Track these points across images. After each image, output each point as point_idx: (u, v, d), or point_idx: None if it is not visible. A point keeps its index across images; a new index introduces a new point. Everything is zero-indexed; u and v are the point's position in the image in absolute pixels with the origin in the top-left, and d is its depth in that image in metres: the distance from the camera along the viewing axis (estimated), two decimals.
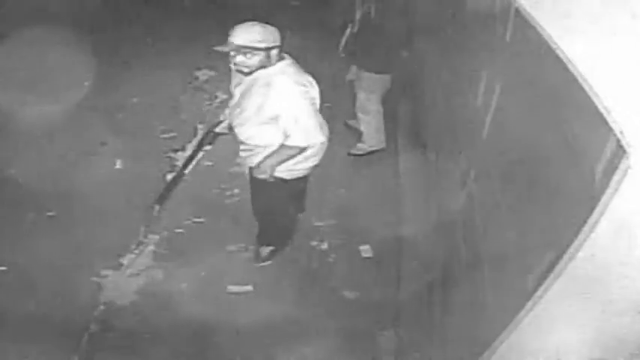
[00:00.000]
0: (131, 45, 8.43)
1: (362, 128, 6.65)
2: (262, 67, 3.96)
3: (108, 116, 6.64)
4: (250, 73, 4.01)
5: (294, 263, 5.23)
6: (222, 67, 8.19)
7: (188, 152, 4.47)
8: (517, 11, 2.90)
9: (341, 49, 6.43)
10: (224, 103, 7.40)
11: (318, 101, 4.26)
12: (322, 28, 8.69)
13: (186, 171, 4.53)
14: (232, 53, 3.90)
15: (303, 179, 4.78)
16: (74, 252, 4.82)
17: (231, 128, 4.44)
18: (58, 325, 4.48)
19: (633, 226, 1.84)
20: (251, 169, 4.40)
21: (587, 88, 1.93)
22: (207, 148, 4.40)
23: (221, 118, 4.69)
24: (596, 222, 1.85)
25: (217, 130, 4.59)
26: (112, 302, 4.85)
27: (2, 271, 5.02)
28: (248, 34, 3.85)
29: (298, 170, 4.46)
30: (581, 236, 1.92)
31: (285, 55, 4.12)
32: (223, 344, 4.49)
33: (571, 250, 1.97)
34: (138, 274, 5.07)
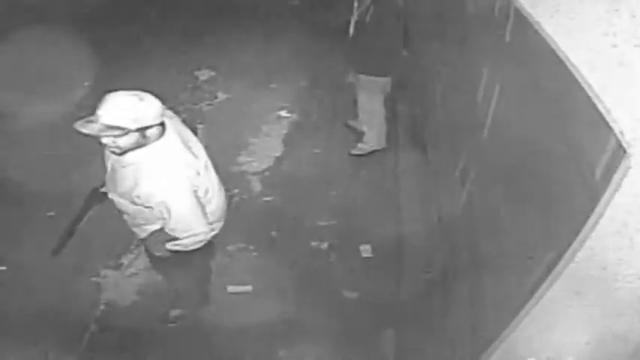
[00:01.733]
0: (131, 45, 8.43)
1: (364, 129, 6.65)
2: (139, 146, 3.21)
3: None
4: (123, 153, 3.23)
5: (294, 263, 5.22)
6: (223, 66, 8.22)
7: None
8: (517, 11, 2.90)
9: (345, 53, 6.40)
10: (224, 103, 7.41)
11: (203, 173, 3.50)
12: (322, 29, 8.70)
13: (79, 226, 4.09)
14: (99, 132, 3.09)
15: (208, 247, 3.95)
16: (74, 252, 4.82)
17: None
18: (58, 325, 4.48)
19: (633, 226, 1.84)
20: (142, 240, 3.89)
21: (586, 88, 1.93)
22: (96, 207, 3.99)
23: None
24: (596, 222, 1.86)
25: (103, 189, 3.77)
26: (112, 302, 4.85)
27: (2, 271, 5.03)
28: (120, 112, 3.06)
29: (195, 243, 3.73)
30: (581, 236, 1.92)
31: (169, 127, 3.36)
32: (223, 344, 4.49)
33: (571, 249, 1.97)
34: (138, 274, 5.08)
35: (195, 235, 3.53)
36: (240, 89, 7.79)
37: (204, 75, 8.29)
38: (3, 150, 6.09)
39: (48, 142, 6.26)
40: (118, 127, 3.06)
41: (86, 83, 6.99)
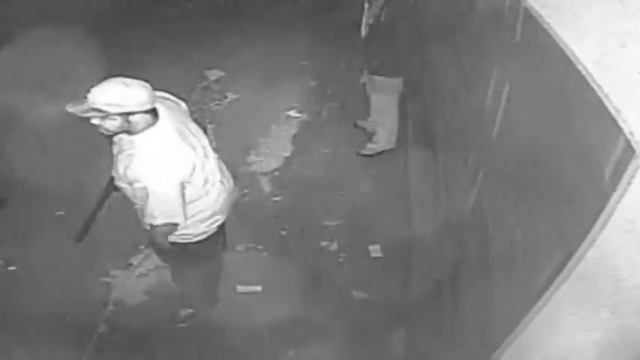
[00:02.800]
0: (140, 45, 8.44)
1: (374, 129, 6.64)
2: (125, 132, 3.33)
3: None
4: (112, 135, 3.39)
5: (303, 263, 5.23)
6: (232, 66, 8.22)
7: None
8: (526, 11, 2.89)
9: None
10: (234, 103, 7.41)
11: (200, 165, 3.52)
12: (332, 29, 8.70)
13: (101, 212, 4.09)
14: (82, 113, 3.21)
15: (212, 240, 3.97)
16: (83, 252, 4.83)
17: None
18: (68, 326, 4.50)
19: None
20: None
21: (596, 88, 1.92)
22: (114, 194, 3.99)
23: None
24: (606, 222, 1.85)
25: None
26: (121, 302, 4.87)
27: (12, 270, 5.05)
28: (102, 96, 3.18)
29: (199, 234, 3.85)
30: (590, 236, 1.91)
31: (164, 114, 3.42)
32: (232, 344, 4.49)
33: (580, 250, 1.97)
34: (147, 274, 5.09)
35: (172, 223, 3.54)
36: (250, 89, 7.80)
37: (213, 75, 8.30)
38: (12, 149, 6.11)
39: (57, 142, 6.29)
40: (100, 110, 3.17)
41: (95, 83, 7.01)
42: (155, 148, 3.34)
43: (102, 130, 3.32)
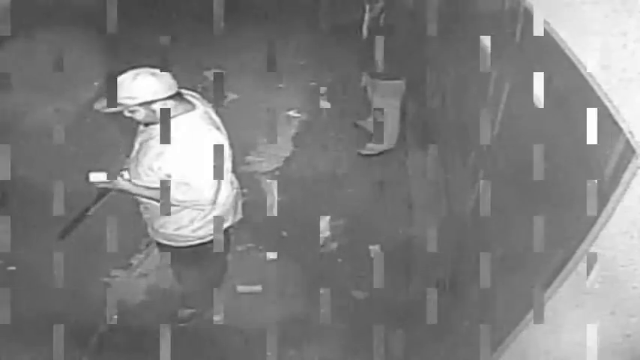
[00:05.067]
0: (141, 45, 8.42)
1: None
2: (153, 122, 3.39)
3: (117, 116, 6.60)
4: (147, 125, 3.47)
5: (303, 263, 5.23)
6: (232, 66, 8.20)
7: None
8: (526, 11, 2.89)
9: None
10: (233, 103, 7.40)
11: (228, 156, 3.61)
12: (332, 29, 8.68)
13: (90, 212, 4.06)
14: (102, 108, 3.34)
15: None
16: (83, 252, 4.83)
17: None
18: (68, 326, 4.49)
19: None
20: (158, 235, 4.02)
21: (596, 88, 1.92)
22: (113, 193, 3.95)
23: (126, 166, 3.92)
24: (606, 222, 1.85)
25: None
26: (121, 302, 4.86)
27: (12, 271, 5.04)
28: (121, 90, 3.24)
29: (206, 236, 3.89)
30: (590, 236, 1.91)
31: (198, 105, 3.58)
32: (232, 344, 4.49)
33: (580, 249, 1.96)
34: (147, 274, 5.09)
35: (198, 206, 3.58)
36: (250, 89, 7.78)
37: (213, 75, 8.29)
38: (13, 149, 6.10)
39: (58, 142, 6.28)
40: (121, 104, 3.26)
41: (96, 83, 7.00)
42: (187, 134, 3.37)
43: (137, 121, 3.44)
